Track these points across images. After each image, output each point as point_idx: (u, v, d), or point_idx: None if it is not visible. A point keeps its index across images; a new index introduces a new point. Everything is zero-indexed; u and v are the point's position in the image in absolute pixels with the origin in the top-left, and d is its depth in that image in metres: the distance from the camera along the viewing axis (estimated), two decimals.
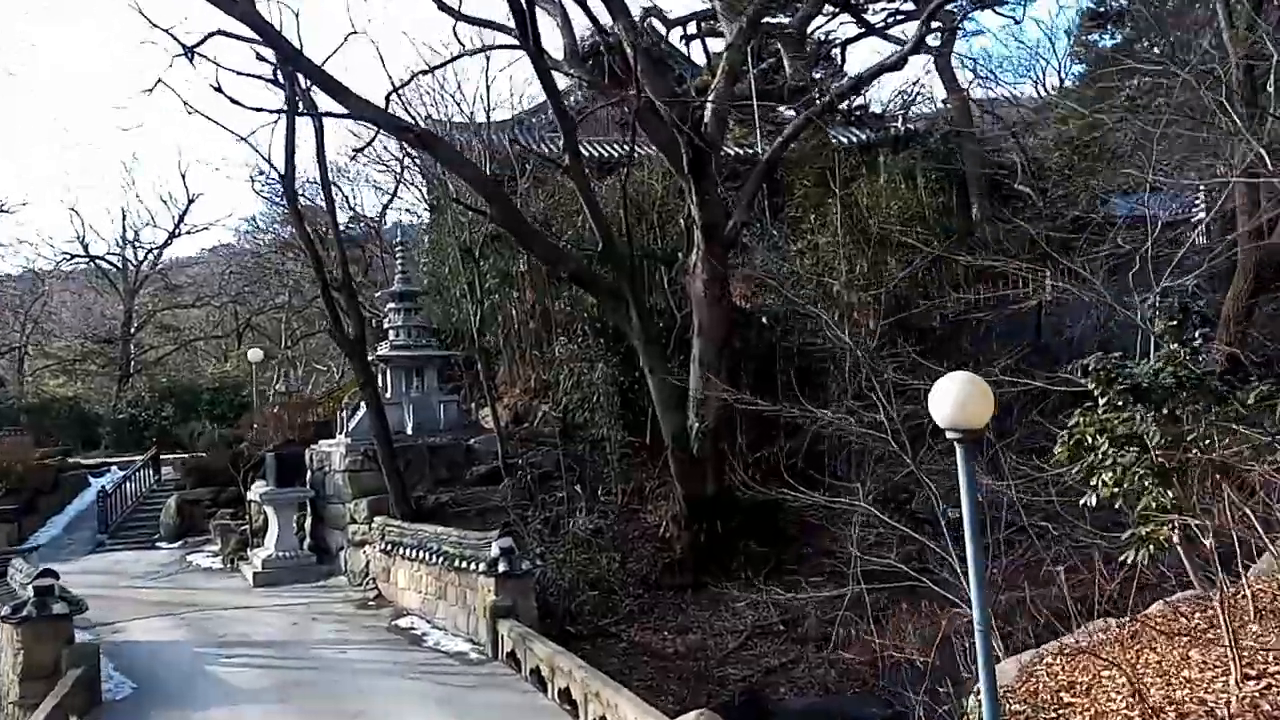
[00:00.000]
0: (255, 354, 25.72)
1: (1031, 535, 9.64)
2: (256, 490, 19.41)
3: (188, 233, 58.69)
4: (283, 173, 17.10)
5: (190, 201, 50.86)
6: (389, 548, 16.38)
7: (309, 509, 20.18)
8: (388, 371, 20.11)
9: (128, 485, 25.19)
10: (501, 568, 12.89)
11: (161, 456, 27.80)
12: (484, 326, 20.80)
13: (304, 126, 21.51)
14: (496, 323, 22.09)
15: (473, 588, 13.59)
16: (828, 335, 20.33)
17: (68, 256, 52.09)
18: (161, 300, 51.12)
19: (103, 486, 24.15)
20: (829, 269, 20.98)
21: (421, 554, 15.05)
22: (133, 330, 49.03)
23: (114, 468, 26.67)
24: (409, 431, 19.50)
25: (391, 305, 20.61)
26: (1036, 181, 27.11)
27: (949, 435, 5.33)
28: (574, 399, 18.01)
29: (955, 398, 5.20)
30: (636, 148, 18.88)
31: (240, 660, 13.03)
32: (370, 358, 19.29)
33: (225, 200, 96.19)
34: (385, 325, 20.90)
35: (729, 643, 15.82)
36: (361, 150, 24.42)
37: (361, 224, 45.31)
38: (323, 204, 23.80)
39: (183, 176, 66.63)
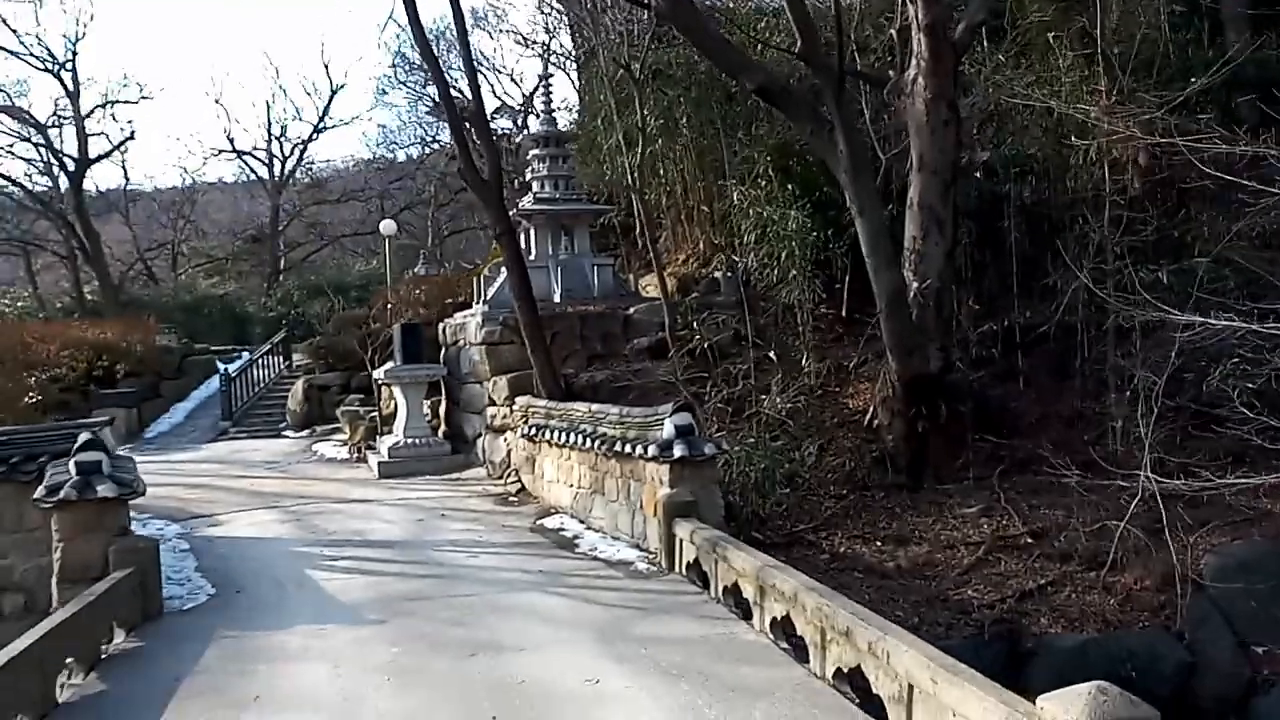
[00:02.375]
0: (388, 225, 23.08)
1: None
2: (382, 370, 16.71)
3: (332, 126, 57.73)
4: None
5: (334, 92, 49.37)
6: (533, 432, 13.37)
7: (443, 391, 17.44)
8: (531, 230, 16.93)
9: (255, 371, 23.14)
10: (678, 451, 9.60)
11: (294, 345, 25.79)
12: (642, 182, 17.32)
13: None
14: (657, 178, 18.63)
15: (639, 478, 10.39)
16: (1072, 184, 16.25)
17: (215, 152, 51.57)
18: (308, 197, 50.16)
19: (225, 370, 22.10)
20: (1073, 100, 16.61)
21: (573, 438, 11.94)
22: (280, 228, 48.35)
23: (244, 354, 24.70)
24: (556, 299, 16.34)
25: (535, 151, 17.25)
26: None
27: None
28: (759, 255, 14.39)
29: None
30: None
31: (347, 564, 10.25)
32: (511, 214, 16.11)
33: (367, 95, 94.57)
34: (528, 177, 17.64)
35: (963, 558, 12.21)
36: None
37: (505, 114, 42.63)
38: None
39: (325, 67, 64.82)
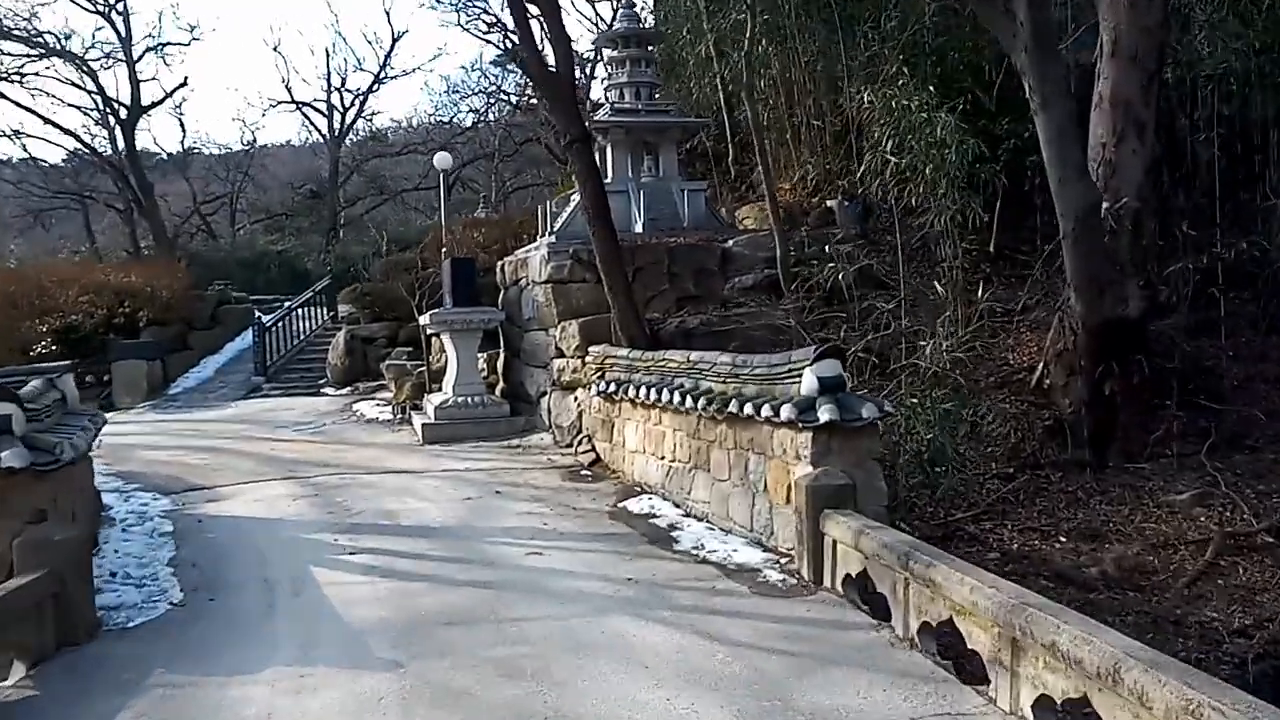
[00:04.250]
0: (443, 158, 20.33)
1: None
2: (429, 315, 14.03)
3: (394, 77, 56.12)
4: None
5: (395, 40, 47.53)
6: (611, 389, 10.57)
7: (500, 341, 14.74)
8: (607, 149, 13.99)
9: (294, 322, 20.68)
10: (824, 414, 6.70)
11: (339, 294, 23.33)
12: (746, 90, 14.28)
13: None
14: (755, 93, 15.59)
15: (762, 450, 7.53)
16: None
17: (273, 103, 49.73)
18: (368, 150, 48.20)
19: (259, 319, 19.60)
20: None
21: (665, 395, 9.11)
22: (340, 182, 46.59)
23: (286, 304, 22.23)
24: (638, 230, 13.46)
25: (611, 54, 14.25)
26: None
27: None
28: (898, 168, 11.32)
29: None
30: None
31: (366, 560, 7.56)
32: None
33: (432, 40, 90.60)
34: (604, 84, 14.75)
35: (1184, 561, 9.18)
36: None
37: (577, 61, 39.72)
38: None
39: (387, 14, 62.29)
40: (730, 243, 13.01)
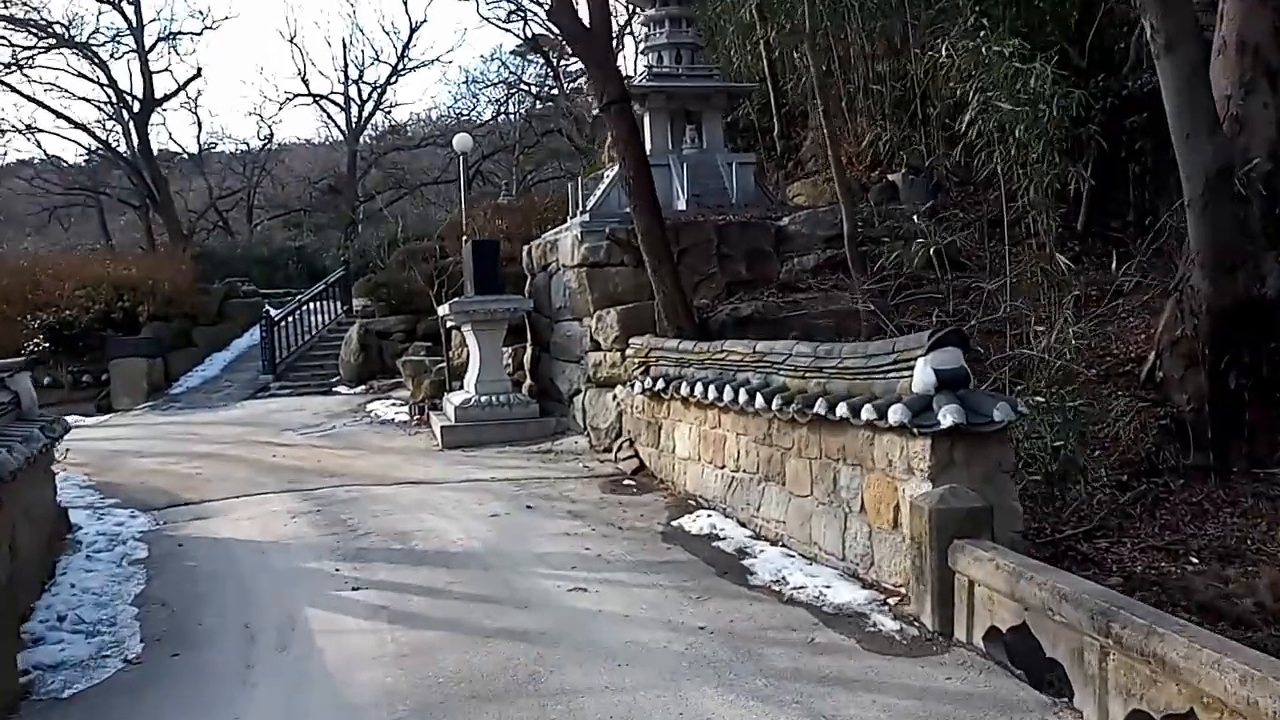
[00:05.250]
0: (463, 140, 18.94)
1: None
2: (448, 304, 12.65)
3: (413, 68, 54.83)
4: None
5: (413, 30, 46.26)
6: (659, 386, 9.14)
7: (527, 334, 13.34)
8: (645, 118, 12.54)
9: (306, 316, 19.36)
10: (948, 416, 5.25)
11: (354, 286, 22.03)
12: (809, 45, 12.81)
13: None
14: (807, 58, 14.14)
15: (859, 460, 6.08)
16: None
17: (290, 96, 48.81)
18: (386, 143, 47.03)
19: (266, 312, 18.25)
20: None
21: (726, 393, 7.68)
22: (358, 176, 45.48)
23: (298, 298, 20.92)
24: (681, 207, 12.02)
25: (649, 12, 12.76)
26: None
27: None
28: (986, 125, 9.81)
29: None
30: None
31: (374, 598, 6.17)
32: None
33: (451, 30, 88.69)
34: (640, 48, 13.30)
35: None
36: None
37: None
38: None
39: (404, 3, 60.94)
40: (786, 221, 11.54)
